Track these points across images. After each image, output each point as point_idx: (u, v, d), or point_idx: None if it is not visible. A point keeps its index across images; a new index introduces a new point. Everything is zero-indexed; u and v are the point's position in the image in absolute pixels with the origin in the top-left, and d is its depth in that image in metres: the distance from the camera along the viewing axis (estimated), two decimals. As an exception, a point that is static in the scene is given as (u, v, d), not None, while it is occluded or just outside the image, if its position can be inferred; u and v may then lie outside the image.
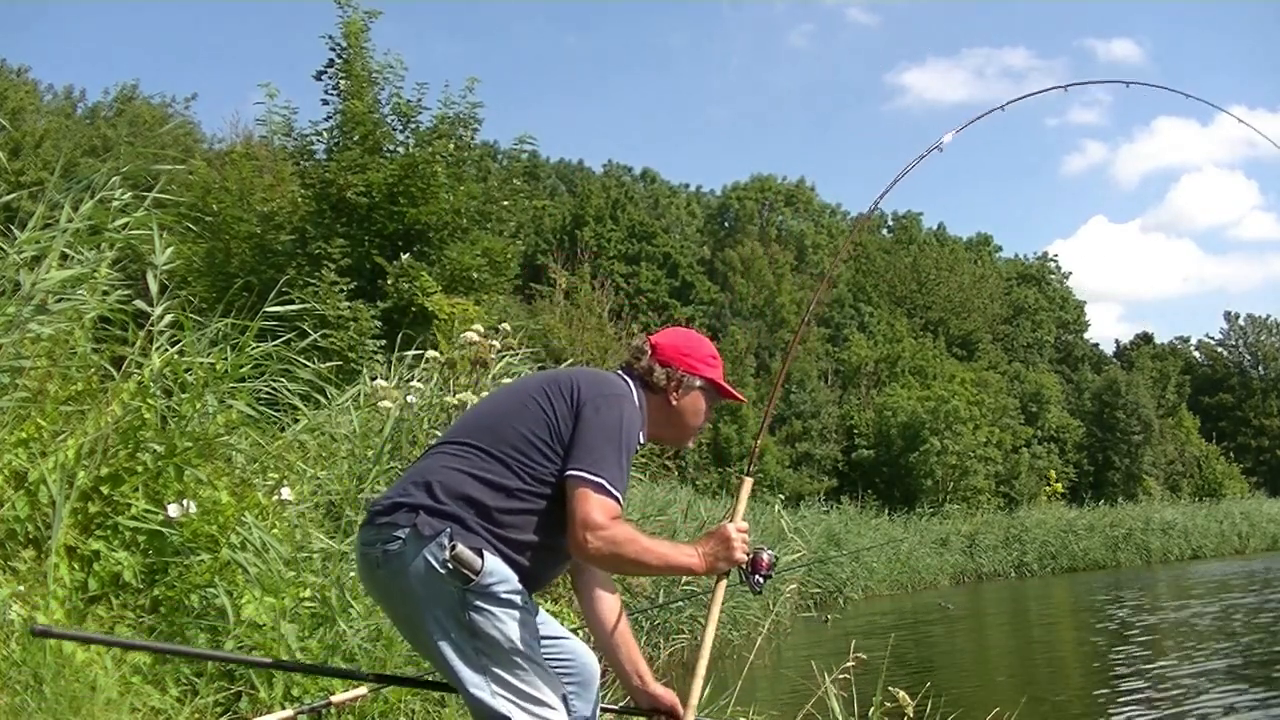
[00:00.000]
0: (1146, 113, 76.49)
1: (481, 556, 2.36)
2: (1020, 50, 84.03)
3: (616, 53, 75.09)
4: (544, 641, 2.55)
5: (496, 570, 2.37)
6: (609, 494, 2.39)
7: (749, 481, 2.76)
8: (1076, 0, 78.82)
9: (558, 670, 2.55)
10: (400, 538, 2.38)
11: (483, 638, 2.36)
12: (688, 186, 47.10)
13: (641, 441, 2.63)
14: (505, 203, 12.61)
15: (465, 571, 2.33)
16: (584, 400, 2.51)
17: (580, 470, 2.41)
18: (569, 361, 11.47)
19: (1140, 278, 75.43)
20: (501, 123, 61.55)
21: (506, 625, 2.37)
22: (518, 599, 2.40)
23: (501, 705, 2.35)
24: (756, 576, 2.60)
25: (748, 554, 2.58)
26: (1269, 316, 50.98)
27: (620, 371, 2.76)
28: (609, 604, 2.78)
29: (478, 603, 2.36)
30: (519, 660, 2.37)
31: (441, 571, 2.35)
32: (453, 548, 2.33)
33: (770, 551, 2.63)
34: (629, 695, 2.84)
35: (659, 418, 2.71)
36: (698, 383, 2.72)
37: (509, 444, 2.48)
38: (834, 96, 74.86)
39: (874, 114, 75.53)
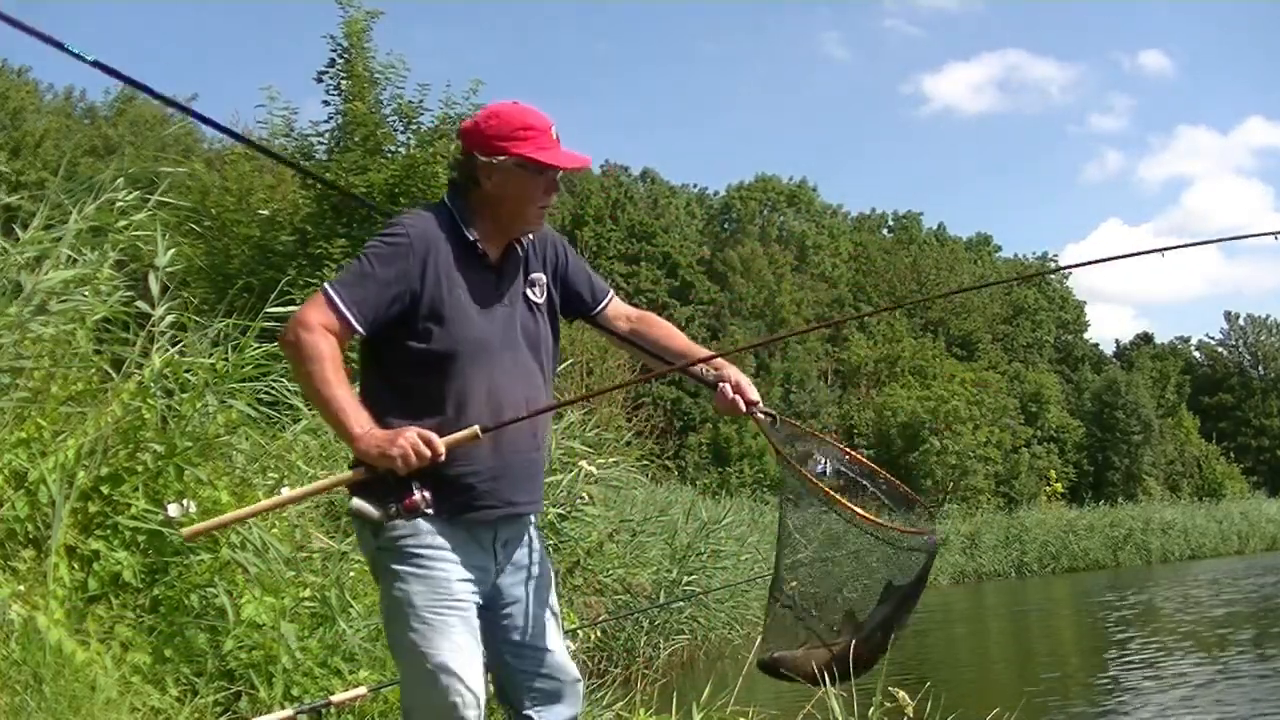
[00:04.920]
0: (1168, 120, 76.17)
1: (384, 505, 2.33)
2: (1048, 60, 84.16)
3: (627, 57, 74.88)
4: (522, 649, 2.49)
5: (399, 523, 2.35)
6: (332, 304, 2.35)
7: (477, 428, 2.32)
8: (1104, 10, 78.28)
9: (527, 680, 2.49)
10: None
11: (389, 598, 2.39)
12: (690, 187, 47.01)
13: (474, 242, 2.46)
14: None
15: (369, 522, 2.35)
16: None
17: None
18: (568, 361, 11.45)
19: (1154, 280, 75.37)
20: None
21: (409, 585, 2.34)
22: (423, 553, 2.35)
23: (404, 670, 2.38)
24: (392, 503, 2.29)
25: (414, 476, 2.28)
26: (1269, 316, 50.99)
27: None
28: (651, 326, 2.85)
29: (386, 563, 2.38)
30: (417, 622, 2.33)
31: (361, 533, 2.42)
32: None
33: (426, 494, 2.30)
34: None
35: (483, 210, 2.49)
36: (498, 161, 2.44)
37: None
38: (858, 102, 74.51)
39: (896, 119, 75.15)
